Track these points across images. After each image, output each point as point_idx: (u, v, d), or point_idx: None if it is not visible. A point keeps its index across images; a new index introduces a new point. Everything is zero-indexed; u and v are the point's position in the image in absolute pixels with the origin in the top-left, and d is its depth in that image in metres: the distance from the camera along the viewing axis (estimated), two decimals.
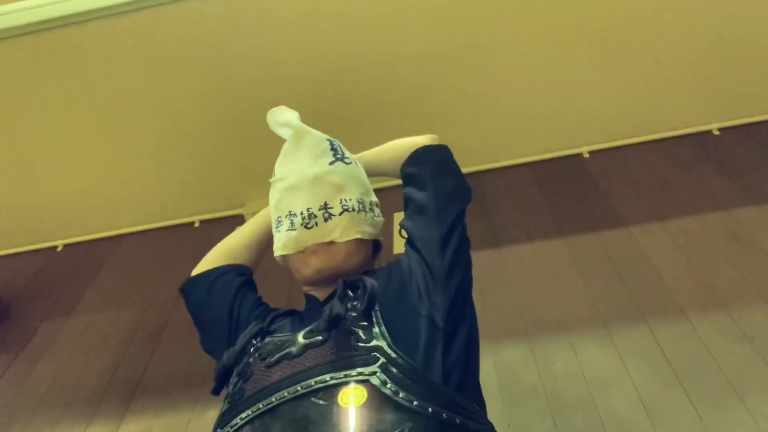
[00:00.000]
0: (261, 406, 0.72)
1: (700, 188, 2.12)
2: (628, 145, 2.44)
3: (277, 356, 0.78)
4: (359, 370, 0.71)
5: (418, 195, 0.93)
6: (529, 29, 2.14)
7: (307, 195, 0.91)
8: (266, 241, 1.08)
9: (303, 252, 0.91)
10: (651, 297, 1.75)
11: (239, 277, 1.02)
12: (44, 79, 2.18)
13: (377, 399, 0.68)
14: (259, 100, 2.18)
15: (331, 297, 0.89)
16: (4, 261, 2.73)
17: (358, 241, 0.93)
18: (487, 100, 2.34)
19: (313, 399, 0.70)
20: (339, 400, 0.68)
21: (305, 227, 0.90)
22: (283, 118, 1.00)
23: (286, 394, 0.71)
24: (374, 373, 0.70)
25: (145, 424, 1.76)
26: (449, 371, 0.76)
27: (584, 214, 2.14)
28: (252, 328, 0.88)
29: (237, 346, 0.86)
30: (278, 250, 0.95)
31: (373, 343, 0.74)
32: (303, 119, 1.02)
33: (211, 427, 0.79)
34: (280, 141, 1.02)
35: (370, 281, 0.80)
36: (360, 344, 0.75)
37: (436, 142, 1.04)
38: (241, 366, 0.82)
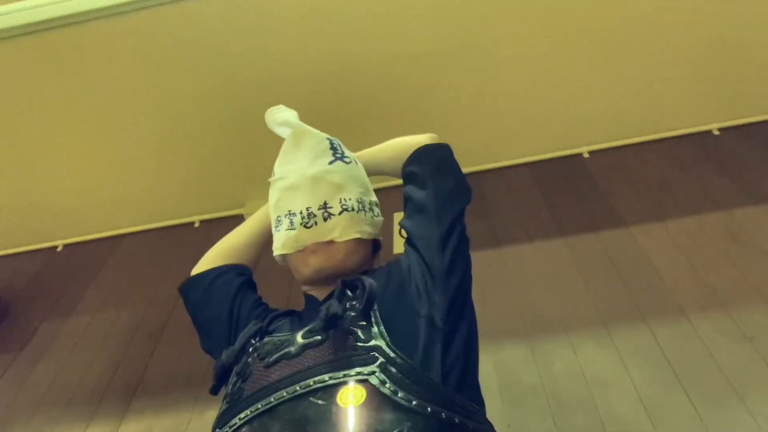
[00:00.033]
0: (260, 406, 0.72)
1: (700, 188, 2.12)
2: (628, 145, 2.44)
3: (275, 356, 0.78)
4: (358, 369, 0.71)
5: (418, 194, 0.93)
6: (529, 29, 2.14)
7: (307, 194, 0.91)
8: (265, 239, 1.08)
9: (302, 251, 0.91)
10: (651, 297, 1.74)
11: (239, 277, 1.02)
12: (44, 79, 2.18)
13: (376, 399, 0.68)
14: (259, 100, 2.16)
15: (330, 297, 0.89)
16: (4, 261, 2.73)
17: (358, 241, 0.93)
18: (487, 100, 2.34)
19: (311, 399, 0.69)
20: (338, 400, 0.68)
21: (305, 226, 0.90)
22: (282, 118, 1.00)
23: (284, 394, 0.71)
24: (373, 372, 0.70)
25: (145, 424, 1.76)
26: (448, 371, 0.76)
27: (584, 214, 2.14)
28: (251, 327, 0.88)
29: (236, 346, 0.85)
30: (278, 249, 0.95)
31: (372, 342, 0.74)
32: (303, 119, 1.02)
33: (211, 427, 0.79)
34: (280, 141, 1.02)
35: (369, 281, 0.80)
36: (359, 344, 0.74)
37: (436, 141, 1.04)
38: (239, 366, 0.82)
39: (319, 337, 0.77)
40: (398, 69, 2.21)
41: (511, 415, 1.51)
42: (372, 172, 1.08)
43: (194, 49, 2.14)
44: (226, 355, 0.85)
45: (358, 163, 1.02)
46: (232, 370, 0.84)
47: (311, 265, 0.90)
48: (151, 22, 2.04)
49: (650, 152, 2.38)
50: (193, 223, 2.66)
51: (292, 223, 0.91)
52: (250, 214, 1.16)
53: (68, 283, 2.47)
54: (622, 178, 2.28)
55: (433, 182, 0.93)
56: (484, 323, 0.92)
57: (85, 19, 2.00)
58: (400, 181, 1.02)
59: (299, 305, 0.98)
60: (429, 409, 0.68)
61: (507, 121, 2.41)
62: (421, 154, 1.00)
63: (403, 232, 0.95)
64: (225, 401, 0.80)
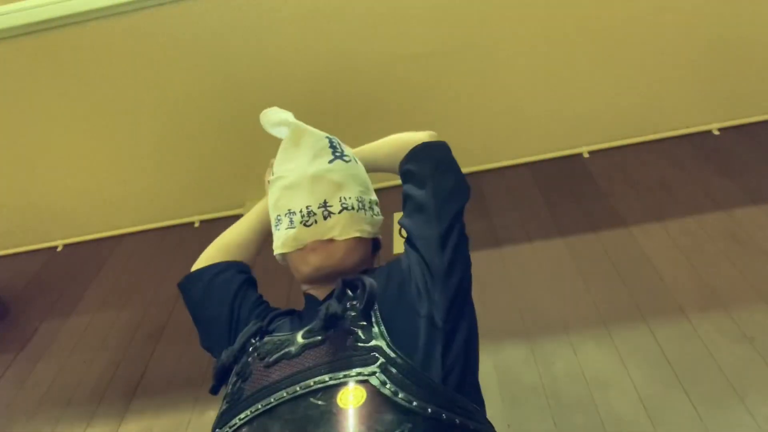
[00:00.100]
0: (260, 406, 0.72)
1: (700, 188, 2.12)
2: (628, 145, 2.44)
3: (275, 356, 0.78)
4: (358, 370, 0.70)
5: (417, 193, 0.93)
6: (529, 29, 2.14)
7: (307, 193, 0.91)
8: (264, 235, 1.08)
9: (302, 250, 0.91)
10: (651, 297, 1.74)
11: (239, 275, 1.02)
12: (44, 79, 2.18)
13: (376, 399, 0.68)
14: (259, 100, 2.17)
15: (330, 296, 0.88)
16: (4, 261, 2.73)
17: (358, 240, 0.93)
18: (487, 100, 2.34)
19: (312, 399, 0.69)
20: (338, 400, 0.68)
21: (304, 225, 0.90)
22: (279, 117, 1.00)
23: (284, 394, 0.71)
24: (373, 373, 0.70)
25: (145, 424, 1.76)
26: (449, 371, 0.76)
27: (584, 214, 2.14)
28: (251, 327, 0.88)
29: (236, 345, 0.85)
30: (278, 248, 0.95)
31: (373, 343, 0.74)
32: (302, 119, 1.01)
33: (211, 427, 0.79)
34: (280, 141, 1.02)
35: (369, 280, 0.80)
36: (359, 344, 0.74)
37: (434, 138, 1.04)
38: (239, 365, 0.82)
39: (320, 337, 0.77)
40: (398, 69, 2.21)
41: (511, 415, 1.51)
42: (369, 168, 1.07)
43: (194, 49, 2.14)
44: (225, 355, 0.85)
45: (358, 161, 1.02)
46: (231, 370, 0.83)
47: (311, 264, 0.90)
48: (150, 22, 2.04)
49: (650, 152, 2.38)
50: (193, 223, 2.66)
51: (291, 221, 0.91)
52: None
53: (68, 283, 2.47)
54: (622, 178, 2.28)
55: (432, 181, 0.93)
56: (484, 323, 0.91)
57: (84, 19, 2.00)
58: (400, 181, 1.02)
59: (299, 305, 0.98)
60: (429, 410, 0.68)
61: (507, 121, 2.41)
62: (419, 152, 0.99)
63: (403, 232, 0.94)
64: (225, 401, 0.80)
